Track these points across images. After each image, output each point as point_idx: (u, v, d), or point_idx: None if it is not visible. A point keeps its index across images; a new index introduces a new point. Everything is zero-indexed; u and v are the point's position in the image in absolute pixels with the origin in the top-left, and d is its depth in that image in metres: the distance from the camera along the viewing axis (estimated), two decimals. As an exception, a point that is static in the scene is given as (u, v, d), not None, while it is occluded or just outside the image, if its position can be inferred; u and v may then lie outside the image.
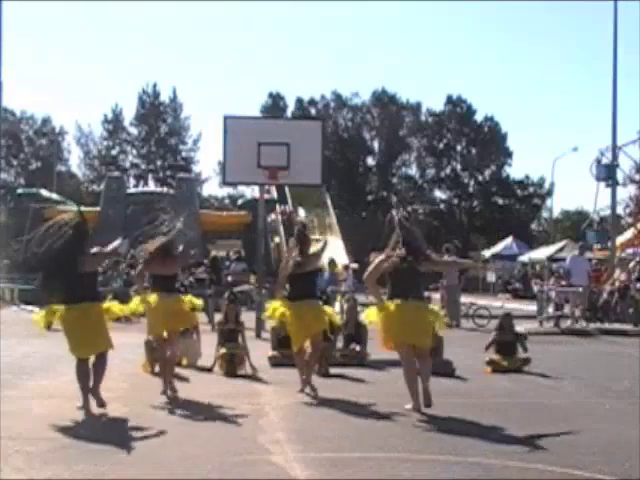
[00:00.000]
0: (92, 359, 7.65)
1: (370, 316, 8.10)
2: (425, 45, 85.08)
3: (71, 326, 7.58)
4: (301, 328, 8.63)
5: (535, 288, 25.81)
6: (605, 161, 24.63)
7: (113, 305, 8.50)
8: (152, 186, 57.74)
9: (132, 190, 40.72)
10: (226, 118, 16.28)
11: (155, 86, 62.67)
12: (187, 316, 9.11)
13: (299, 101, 62.33)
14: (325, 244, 9.41)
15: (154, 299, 8.67)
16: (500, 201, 62.30)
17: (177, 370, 9.85)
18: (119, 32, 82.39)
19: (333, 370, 10.16)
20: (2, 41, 23.59)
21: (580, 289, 19.24)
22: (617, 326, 18.80)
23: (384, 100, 62.28)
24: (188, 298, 9.31)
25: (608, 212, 25.51)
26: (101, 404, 7.46)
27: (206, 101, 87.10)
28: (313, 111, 61.88)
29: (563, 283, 20.17)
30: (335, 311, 11.38)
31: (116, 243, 8.23)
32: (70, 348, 7.61)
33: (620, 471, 5.47)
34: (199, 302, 9.65)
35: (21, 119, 61.43)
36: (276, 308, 8.88)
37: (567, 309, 19.68)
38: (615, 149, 24.18)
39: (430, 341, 8.00)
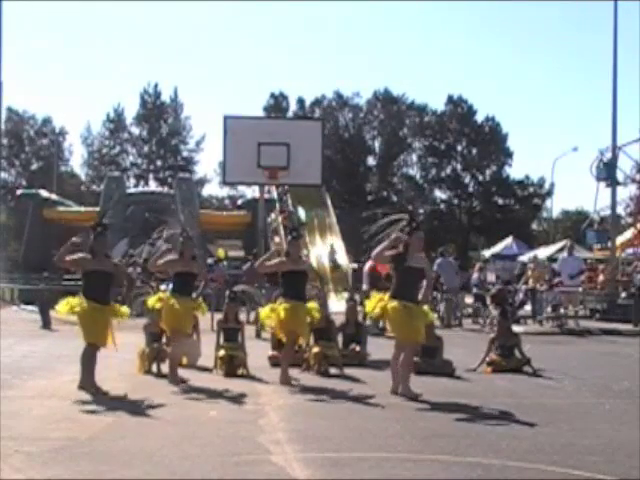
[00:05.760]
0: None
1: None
2: (426, 45, 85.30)
3: (88, 318, 8.50)
4: (286, 328, 9.37)
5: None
6: (605, 161, 24.59)
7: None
8: (152, 186, 57.70)
9: (132, 190, 40.68)
10: (226, 118, 16.28)
11: (156, 86, 62.71)
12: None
13: (300, 101, 62.31)
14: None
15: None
16: (500, 201, 62.27)
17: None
18: (120, 32, 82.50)
19: (333, 370, 10.16)
20: (2, 41, 23.54)
21: (580, 289, 19.27)
22: (617, 326, 18.80)
23: (385, 100, 62.26)
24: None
25: (608, 212, 25.47)
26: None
27: (209, 102, 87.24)
28: (317, 111, 61.80)
29: (556, 281, 20.23)
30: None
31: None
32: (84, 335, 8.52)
33: (620, 471, 5.46)
34: None
35: (22, 119, 61.41)
36: (267, 313, 9.57)
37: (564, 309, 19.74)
38: (615, 149, 24.14)
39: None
